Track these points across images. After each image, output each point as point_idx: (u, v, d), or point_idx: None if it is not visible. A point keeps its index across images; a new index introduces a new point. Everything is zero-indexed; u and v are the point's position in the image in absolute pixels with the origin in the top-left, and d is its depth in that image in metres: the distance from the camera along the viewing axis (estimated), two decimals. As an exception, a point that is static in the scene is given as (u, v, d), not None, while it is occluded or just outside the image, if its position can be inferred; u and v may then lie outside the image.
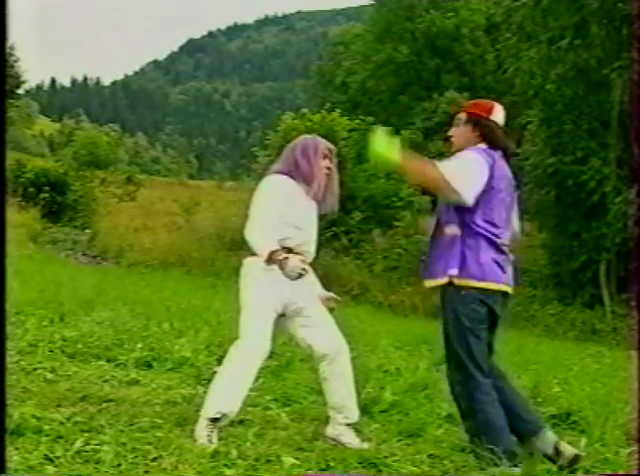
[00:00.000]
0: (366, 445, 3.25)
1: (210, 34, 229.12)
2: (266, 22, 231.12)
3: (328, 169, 3.35)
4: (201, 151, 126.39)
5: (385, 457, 3.10)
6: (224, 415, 3.07)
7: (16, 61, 33.99)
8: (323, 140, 3.43)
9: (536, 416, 3.18)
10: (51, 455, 2.63)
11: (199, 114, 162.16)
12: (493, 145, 3.08)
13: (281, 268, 3.05)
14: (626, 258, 13.06)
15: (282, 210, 3.20)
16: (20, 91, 40.10)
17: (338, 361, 3.27)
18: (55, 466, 2.56)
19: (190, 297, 8.88)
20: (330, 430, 3.31)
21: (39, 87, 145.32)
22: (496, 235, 3.07)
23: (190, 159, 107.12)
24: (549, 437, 3.09)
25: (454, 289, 3.03)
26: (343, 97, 31.76)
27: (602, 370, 7.50)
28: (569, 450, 3.07)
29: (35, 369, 3.96)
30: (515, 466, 2.91)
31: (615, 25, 14.13)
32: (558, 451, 3.05)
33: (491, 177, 3.01)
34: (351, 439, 3.26)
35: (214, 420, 3.05)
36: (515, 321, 14.08)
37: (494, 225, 3.06)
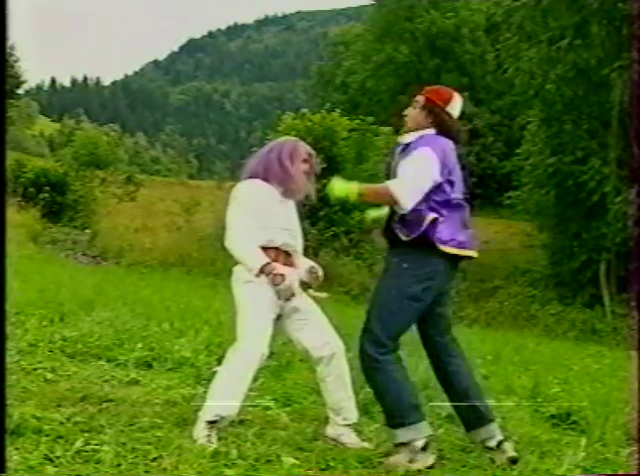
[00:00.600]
0: (366, 445, 3.25)
1: (210, 34, 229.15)
2: (266, 22, 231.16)
3: (306, 173, 3.35)
4: (201, 151, 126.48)
5: (385, 457, 3.10)
6: (222, 417, 3.07)
7: (16, 61, 34.02)
8: (303, 144, 3.42)
9: (488, 407, 3.19)
10: (51, 455, 2.63)
11: (199, 114, 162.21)
12: (443, 134, 3.15)
13: (274, 283, 3.12)
14: (626, 258, 13.07)
15: (259, 215, 3.21)
16: (20, 91, 40.18)
17: (334, 362, 3.27)
18: (55, 466, 2.56)
19: (190, 297, 8.87)
20: (330, 431, 3.31)
21: (39, 87, 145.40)
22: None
23: (190, 159, 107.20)
24: (496, 431, 3.15)
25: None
26: (343, 97, 31.81)
27: (602, 370, 7.50)
28: (510, 450, 3.12)
29: (35, 369, 3.96)
30: (420, 421, 3.02)
31: (615, 25, 14.14)
32: (500, 447, 3.11)
33: (443, 167, 3.08)
34: (351, 439, 3.26)
35: (212, 423, 3.06)
36: (515, 321, 14.10)
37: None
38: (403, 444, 3.01)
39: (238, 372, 3.10)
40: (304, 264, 3.40)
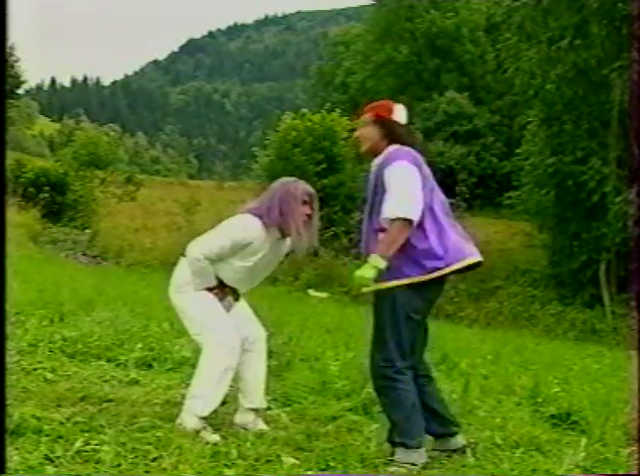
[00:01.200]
0: (265, 427, 3.37)
1: (210, 34, 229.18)
2: (266, 22, 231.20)
3: (308, 215, 3.37)
4: (201, 151, 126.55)
5: (385, 457, 3.10)
6: (214, 411, 3.20)
7: (16, 61, 34.03)
8: (304, 184, 3.43)
9: (454, 418, 3.32)
10: (51, 455, 2.63)
11: (199, 114, 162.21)
12: (398, 142, 3.20)
13: (219, 298, 3.34)
14: (626, 258, 13.06)
15: (241, 254, 3.30)
16: (20, 91, 40.20)
17: (254, 347, 3.42)
18: (55, 466, 2.56)
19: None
20: (237, 418, 3.41)
21: (39, 87, 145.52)
22: None
23: (190, 159, 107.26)
24: (461, 439, 3.27)
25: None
26: (343, 97, 31.81)
27: (602, 370, 7.49)
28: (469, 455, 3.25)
29: (35, 369, 3.96)
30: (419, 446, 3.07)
31: (615, 25, 14.12)
32: (463, 452, 3.25)
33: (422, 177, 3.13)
34: (256, 424, 3.37)
35: (204, 417, 3.16)
36: (515, 321, 14.09)
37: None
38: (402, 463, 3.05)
39: (220, 365, 3.17)
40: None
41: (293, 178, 3.48)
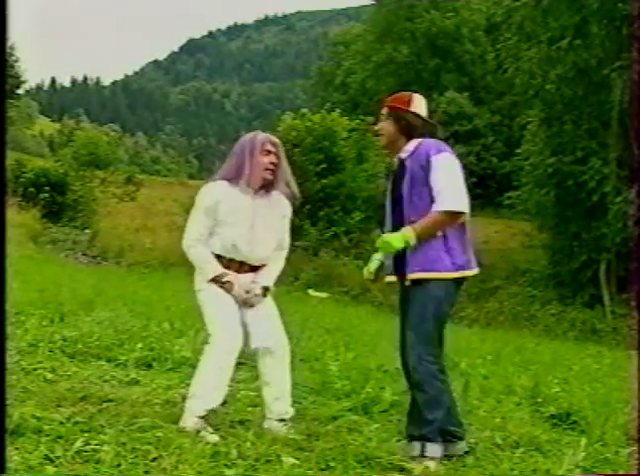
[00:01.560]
0: (297, 437, 3.26)
1: (210, 34, 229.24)
2: (266, 22, 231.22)
3: (273, 163, 3.25)
4: (201, 151, 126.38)
5: (385, 457, 3.10)
6: (212, 410, 3.18)
7: (16, 61, 34.01)
8: (265, 135, 3.32)
9: (461, 422, 3.29)
10: (51, 455, 2.62)
11: (199, 114, 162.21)
12: (414, 135, 3.16)
13: (227, 291, 3.24)
14: (626, 258, 13.06)
15: (218, 218, 3.23)
16: (20, 91, 40.15)
17: (275, 355, 3.31)
18: (55, 466, 2.56)
19: (190, 298, 8.87)
20: (266, 423, 3.36)
21: (39, 87, 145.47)
22: None
23: (190, 159, 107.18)
24: (464, 445, 3.24)
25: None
26: (343, 97, 31.82)
27: (602, 370, 7.49)
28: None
29: (35, 369, 3.96)
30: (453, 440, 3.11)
31: (615, 25, 14.13)
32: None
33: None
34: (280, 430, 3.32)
35: (203, 417, 3.15)
36: (515, 321, 14.09)
37: None
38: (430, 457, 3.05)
39: (219, 364, 3.15)
40: (261, 272, 3.35)
41: (254, 132, 3.40)
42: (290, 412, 3.37)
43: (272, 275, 3.37)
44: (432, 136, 3.19)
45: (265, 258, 3.33)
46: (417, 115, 3.19)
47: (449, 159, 3.06)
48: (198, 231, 3.25)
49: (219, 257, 3.28)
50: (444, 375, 3.17)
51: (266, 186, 3.29)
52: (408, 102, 3.22)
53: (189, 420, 3.14)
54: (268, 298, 3.38)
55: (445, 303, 3.11)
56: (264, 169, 3.24)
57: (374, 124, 3.36)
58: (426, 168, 3.04)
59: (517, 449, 3.46)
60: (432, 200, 3.04)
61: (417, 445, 3.08)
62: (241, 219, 3.24)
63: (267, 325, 3.31)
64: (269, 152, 3.26)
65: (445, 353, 6.30)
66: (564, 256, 15.51)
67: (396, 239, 3.01)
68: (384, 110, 3.25)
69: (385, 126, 3.22)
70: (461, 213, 3.03)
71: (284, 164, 3.32)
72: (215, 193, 3.25)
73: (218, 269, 3.23)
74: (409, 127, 3.16)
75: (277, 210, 3.36)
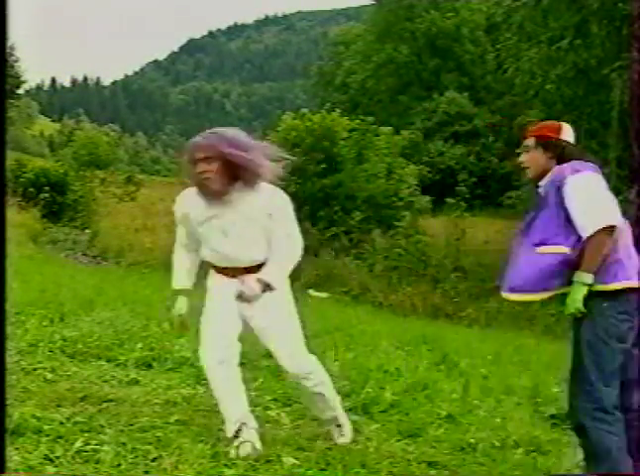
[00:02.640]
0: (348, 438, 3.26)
1: (210, 34, 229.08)
2: (266, 22, 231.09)
3: (204, 172, 2.98)
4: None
5: (385, 457, 3.10)
6: (242, 423, 3.00)
7: (16, 61, 34.03)
8: (190, 143, 3.10)
9: None
10: (51, 455, 2.63)
11: (199, 114, 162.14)
12: (567, 160, 3.00)
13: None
14: (626, 258, 13.05)
15: (191, 229, 3.21)
16: (20, 91, 40.14)
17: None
18: (56, 466, 2.56)
19: (190, 297, 8.85)
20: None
21: (39, 87, 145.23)
22: None
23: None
24: None
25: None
26: (343, 97, 31.80)
27: (602, 370, 7.47)
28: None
29: (35, 369, 3.96)
30: None
31: (615, 25, 14.12)
32: None
33: None
34: (341, 433, 3.28)
35: (237, 433, 2.98)
36: (515, 321, 14.08)
37: None
38: None
39: (214, 383, 3.06)
40: (263, 273, 3.12)
41: (189, 141, 3.20)
42: (342, 418, 3.32)
43: (270, 269, 3.10)
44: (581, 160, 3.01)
45: (257, 258, 3.12)
46: (568, 143, 3.05)
47: (584, 177, 2.87)
48: (180, 239, 3.31)
49: (214, 264, 3.23)
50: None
51: (227, 190, 3.02)
52: (558, 130, 3.09)
53: (240, 446, 2.95)
54: (278, 301, 3.15)
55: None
56: (201, 180, 3.01)
57: (516, 155, 3.21)
58: (561, 189, 2.88)
59: (517, 449, 3.46)
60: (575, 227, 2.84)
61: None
62: (211, 227, 3.08)
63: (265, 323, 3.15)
64: (197, 160, 3.00)
65: (445, 353, 6.32)
66: (564, 256, 15.50)
67: (577, 291, 2.77)
68: (530, 141, 3.12)
69: (534, 157, 3.08)
70: (612, 227, 2.80)
71: (238, 158, 3.00)
72: (183, 204, 3.19)
73: (177, 283, 3.45)
74: (562, 154, 3.00)
75: (254, 209, 3.05)
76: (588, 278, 2.75)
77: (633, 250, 2.94)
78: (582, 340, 2.82)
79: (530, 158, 3.10)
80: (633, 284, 2.81)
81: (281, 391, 4.10)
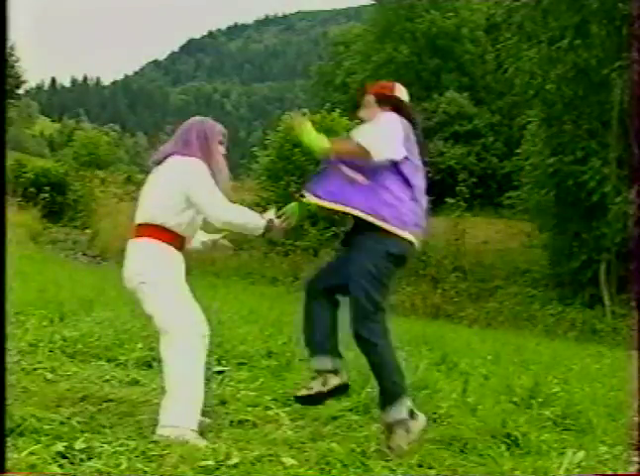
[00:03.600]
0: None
1: (210, 34, 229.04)
2: (266, 22, 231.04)
3: (224, 155, 3.37)
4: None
5: (385, 457, 3.10)
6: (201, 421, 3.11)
7: (16, 61, 34.03)
8: (218, 124, 3.40)
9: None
10: (51, 455, 2.62)
11: (199, 114, 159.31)
12: (402, 116, 3.26)
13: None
14: (626, 258, 13.05)
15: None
16: (20, 91, 40.13)
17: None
18: (56, 466, 2.56)
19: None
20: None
21: (39, 87, 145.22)
22: None
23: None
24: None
25: None
26: (343, 97, 31.73)
27: (602, 370, 7.49)
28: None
29: (35, 369, 3.96)
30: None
31: (615, 25, 14.12)
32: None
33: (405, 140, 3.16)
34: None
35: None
36: (515, 321, 14.08)
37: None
38: (398, 422, 3.11)
39: (200, 354, 3.14)
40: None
41: (206, 118, 3.44)
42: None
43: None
44: (413, 123, 3.30)
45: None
46: (401, 100, 3.34)
47: (386, 115, 3.20)
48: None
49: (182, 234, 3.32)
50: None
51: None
52: (392, 88, 3.38)
53: (187, 435, 2.98)
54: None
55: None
56: (220, 157, 3.33)
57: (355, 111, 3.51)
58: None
59: (517, 449, 3.46)
60: None
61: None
62: None
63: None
64: (221, 143, 3.38)
65: (445, 353, 6.32)
66: (564, 256, 15.50)
67: (308, 136, 3.24)
68: (369, 97, 3.38)
69: (372, 112, 3.32)
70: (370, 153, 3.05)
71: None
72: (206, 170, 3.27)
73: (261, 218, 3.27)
74: (397, 109, 3.28)
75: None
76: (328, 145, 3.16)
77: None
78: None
79: (369, 112, 3.35)
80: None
81: (281, 391, 4.10)
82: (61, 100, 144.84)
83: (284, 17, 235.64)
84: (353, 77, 33.22)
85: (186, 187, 3.14)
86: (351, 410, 3.86)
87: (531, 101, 16.74)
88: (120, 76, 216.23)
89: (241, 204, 3.46)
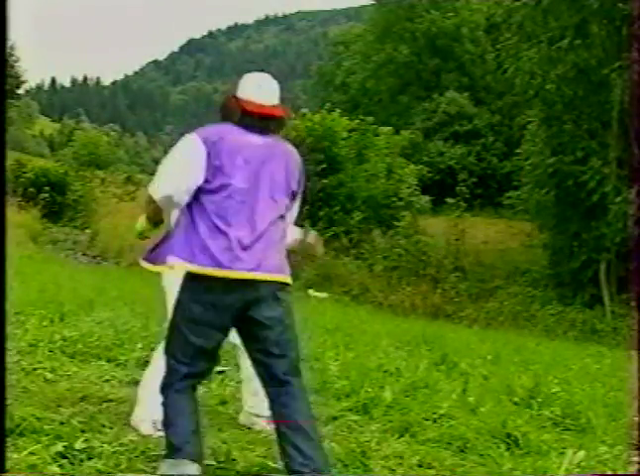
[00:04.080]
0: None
1: (210, 34, 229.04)
2: (266, 22, 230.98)
3: None
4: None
5: (385, 457, 3.10)
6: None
7: (16, 61, 34.04)
8: None
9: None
10: (51, 455, 2.62)
11: (199, 114, 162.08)
12: (228, 119, 2.71)
13: None
14: (626, 258, 13.05)
15: None
16: (20, 91, 40.14)
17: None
18: (56, 466, 2.56)
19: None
20: (242, 418, 3.40)
21: (39, 87, 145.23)
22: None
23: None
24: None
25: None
26: (343, 97, 31.76)
27: (602, 370, 7.49)
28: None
29: (35, 369, 3.96)
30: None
31: (615, 25, 14.12)
32: None
33: (215, 158, 2.54)
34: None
35: None
36: (515, 321, 14.08)
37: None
38: None
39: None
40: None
41: None
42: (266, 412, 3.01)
43: None
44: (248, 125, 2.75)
45: None
46: (231, 97, 2.79)
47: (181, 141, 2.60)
48: None
49: None
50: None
51: None
52: (235, 84, 2.84)
53: (146, 428, 3.02)
54: None
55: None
56: None
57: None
58: None
59: (517, 449, 3.46)
60: None
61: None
62: None
63: None
64: None
65: (445, 353, 6.32)
66: (564, 256, 15.50)
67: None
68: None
69: None
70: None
71: None
72: None
73: None
74: (222, 111, 2.79)
75: None
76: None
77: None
78: None
79: None
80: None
81: (281, 391, 4.09)
82: (61, 100, 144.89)
83: (284, 17, 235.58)
84: (353, 77, 33.23)
85: None
86: (351, 409, 3.86)
87: (531, 101, 16.75)
88: (120, 76, 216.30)
89: None
